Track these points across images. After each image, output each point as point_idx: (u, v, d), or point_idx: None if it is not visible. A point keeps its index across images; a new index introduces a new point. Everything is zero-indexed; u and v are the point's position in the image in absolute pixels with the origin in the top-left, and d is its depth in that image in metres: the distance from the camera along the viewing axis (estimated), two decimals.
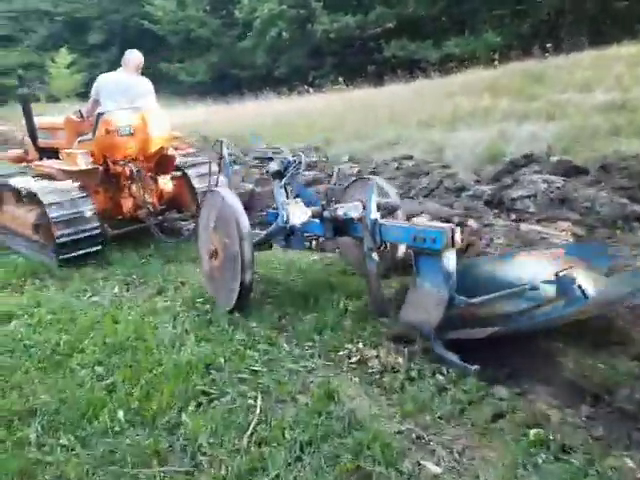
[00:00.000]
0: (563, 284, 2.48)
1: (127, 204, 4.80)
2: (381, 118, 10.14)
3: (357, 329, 2.89)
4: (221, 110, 17.23)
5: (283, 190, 3.53)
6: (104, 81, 4.79)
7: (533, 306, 2.57)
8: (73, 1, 32.63)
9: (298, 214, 3.29)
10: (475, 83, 10.67)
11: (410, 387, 2.38)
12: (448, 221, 3.86)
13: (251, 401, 2.33)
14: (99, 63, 31.85)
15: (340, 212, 3.19)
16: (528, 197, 5.00)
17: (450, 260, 2.56)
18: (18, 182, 4.76)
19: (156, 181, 4.99)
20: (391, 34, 18.60)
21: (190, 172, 5.16)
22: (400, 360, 2.56)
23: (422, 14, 18.33)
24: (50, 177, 4.78)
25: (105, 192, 4.82)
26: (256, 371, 2.56)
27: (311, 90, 15.80)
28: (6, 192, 5.02)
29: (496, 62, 12.71)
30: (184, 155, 5.40)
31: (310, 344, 2.81)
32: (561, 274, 2.50)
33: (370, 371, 2.53)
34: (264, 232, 3.56)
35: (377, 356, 2.61)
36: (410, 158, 6.98)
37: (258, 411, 2.25)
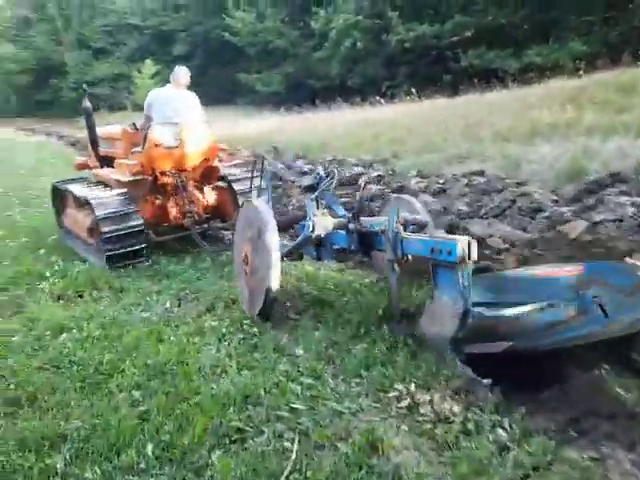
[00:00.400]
0: (583, 302, 2.49)
1: (173, 212, 5.06)
2: (453, 130, 9.74)
3: (410, 367, 2.62)
4: (294, 120, 17.35)
5: (314, 203, 3.62)
6: (155, 96, 5.07)
7: (553, 323, 2.51)
8: (161, 15, 34.30)
9: (323, 225, 3.45)
10: (557, 94, 10.02)
11: (465, 442, 2.10)
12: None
13: (287, 444, 2.14)
14: None
15: (364, 225, 3.31)
16: (613, 221, 4.52)
17: (465, 272, 2.51)
18: (76, 188, 5.18)
19: (202, 191, 5.21)
20: (468, 43, 18.01)
21: (234, 183, 5.30)
22: (456, 408, 2.29)
23: (502, 22, 17.65)
24: (106, 184, 5.19)
25: (153, 200, 5.10)
26: (296, 409, 2.37)
27: (383, 101, 15.55)
28: (69, 197, 5.41)
29: (581, 72, 11.92)
30: (229, 167, 5.61)
31: (357, 381, 2.58)
32: (581, 292, 2.49)
33: (421, 419, 2.27)
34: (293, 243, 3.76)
35: (430, 401, 2.35)
36: (482, 174, 6.59)
37: (294, 456, 2.06)
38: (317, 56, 23.61)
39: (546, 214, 4.92)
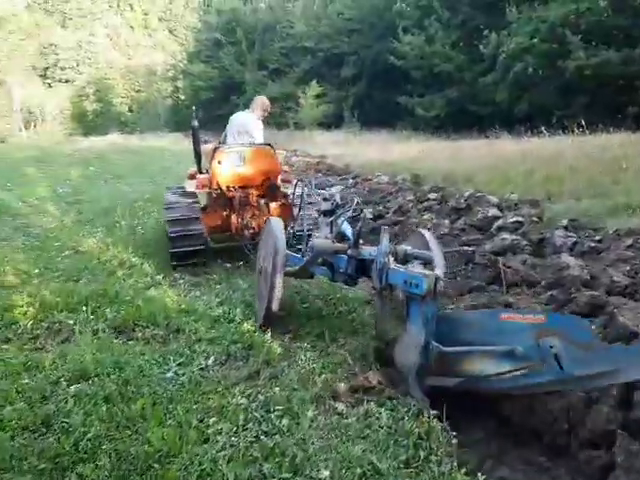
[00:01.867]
0: (541, 351, 2.50)
1: (235, 224, 5.53)
2: (628, 172, 8.07)
3: None
4: (447, 147, 16.31)
5: (328, 227, 3.99)
6: (232, 120, 5.86)
7: (508, 369, 2.57)
8: (334, 38, 35.34)
9: (321, 247, 3.56)
10: None
11: None
12: None
13: None
14: (347, 96, 33.94)
15: (361, 252, 3.45)
16: None
17: (430, 307, 2.66)
18: (168, 195, 5.91)
19: (267, 207, 5.59)
20: None
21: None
22: None
23: None
24: (193, 194, 5.77)
25: (217, 211, 5.65)
26: None
27: (549, 132, 13.83)
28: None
29: None
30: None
31: None
32: (540, 341, 2.51)
33: None
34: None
35: None
36: None
37: None
38: (483, 81, 22.21)
39: None
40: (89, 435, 2.36)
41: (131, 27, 78.61)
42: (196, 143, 5.96)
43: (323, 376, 3.00)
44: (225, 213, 5.60)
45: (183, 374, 3.02)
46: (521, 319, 2.63)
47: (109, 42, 71.37)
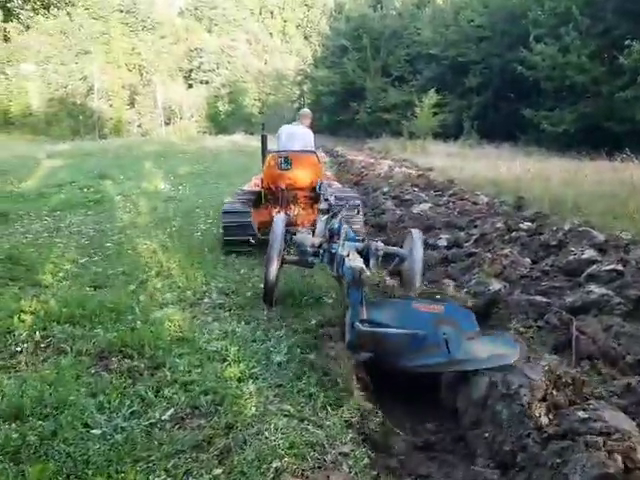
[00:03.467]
0: (436, 336, 3.07)
1: None
2: None
3: None
4: (568, 167, 14.54)
5: (323, 224, 4.69)
6: (282, 129, 6.62)
7: (412, 349, 3.10)
8: (461, 46, 33.79)
9: (302, 241, 4.41)
10: None
11: None
12: None
13: None
14: (470, 106, 32.24)
15: (332, 247, 4.21)
16: None
17: (357, 293, 3.25)
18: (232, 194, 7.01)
19: (311, 207, 6.35)
20: None
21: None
22: None
23: None
24: (250, 192, 6.72)
25: (267, 208, 6.40)
26: None
27: None
28: None
29: None
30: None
31: None
32: (437, 327, 3.09)
33: None
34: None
35: None
36: None
37: None
38: (621, 96, 19.75)
39: None
40: None
41: (270, 34, 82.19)
42: (264, 150, 6.75)
43: (284, 460, 2.37)
44: (270, 210, 6.25)
45: (124, 429, 2.55)
46: (426, 308, 3.26)
47: (248, 47, 75.17)
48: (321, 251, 4.31)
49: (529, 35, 25.17)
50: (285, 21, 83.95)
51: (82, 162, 17.27)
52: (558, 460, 2.27)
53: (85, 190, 11.43)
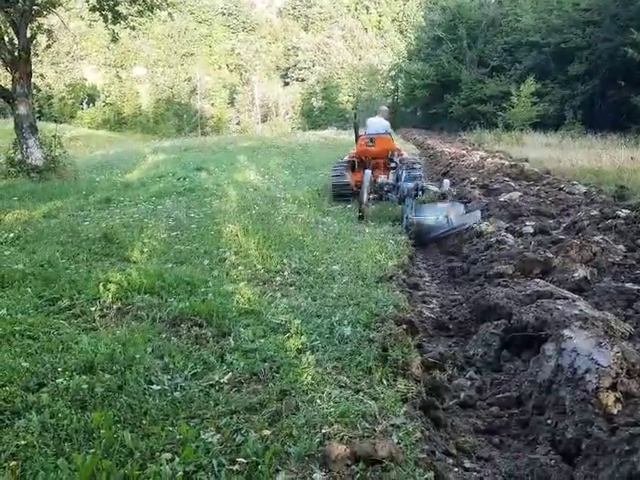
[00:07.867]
0: (445, 217, 6.70)
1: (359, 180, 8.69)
2: None
3: None
4: None
5: (393, 174, 8.73)
6: (368, 121, 9.54)
7: (437, 226, 6.78)
8: (565, 32, 31.65)
9: (384, 181, 8.44)
10: None
11: None
12: None
13: None
14: (574, 95, 30.13)
15: (394, 184, 8.27)
16: None
17: (408, 200, 7.07)
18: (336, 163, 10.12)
19: (387, 169, 9.01)
20: None
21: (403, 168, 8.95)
22: None
23: None
24: (348, 162, 9.69)
25: (359, 172, 8.86)
26: None
27: None
28: None
29: None
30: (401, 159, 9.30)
31: None
32: (446, 214, 6.73)
33: None
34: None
35: None
36: None
37: None
38: None
39: None
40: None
41: (365, 29, 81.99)
42: (356, 134, 9.65)
43: (333, 427, 2.36)
44: (361, 174, 8.46)
45: (183, 388, 2.67)
46: (441, 205, 7.22)
47: (343, 43, 75.56)
48: (392, 187, 8.00)
49: None
50: (381, 15, 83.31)
51: (182, 157, 18.23)
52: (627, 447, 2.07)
53: (181, 180, 12.06)
